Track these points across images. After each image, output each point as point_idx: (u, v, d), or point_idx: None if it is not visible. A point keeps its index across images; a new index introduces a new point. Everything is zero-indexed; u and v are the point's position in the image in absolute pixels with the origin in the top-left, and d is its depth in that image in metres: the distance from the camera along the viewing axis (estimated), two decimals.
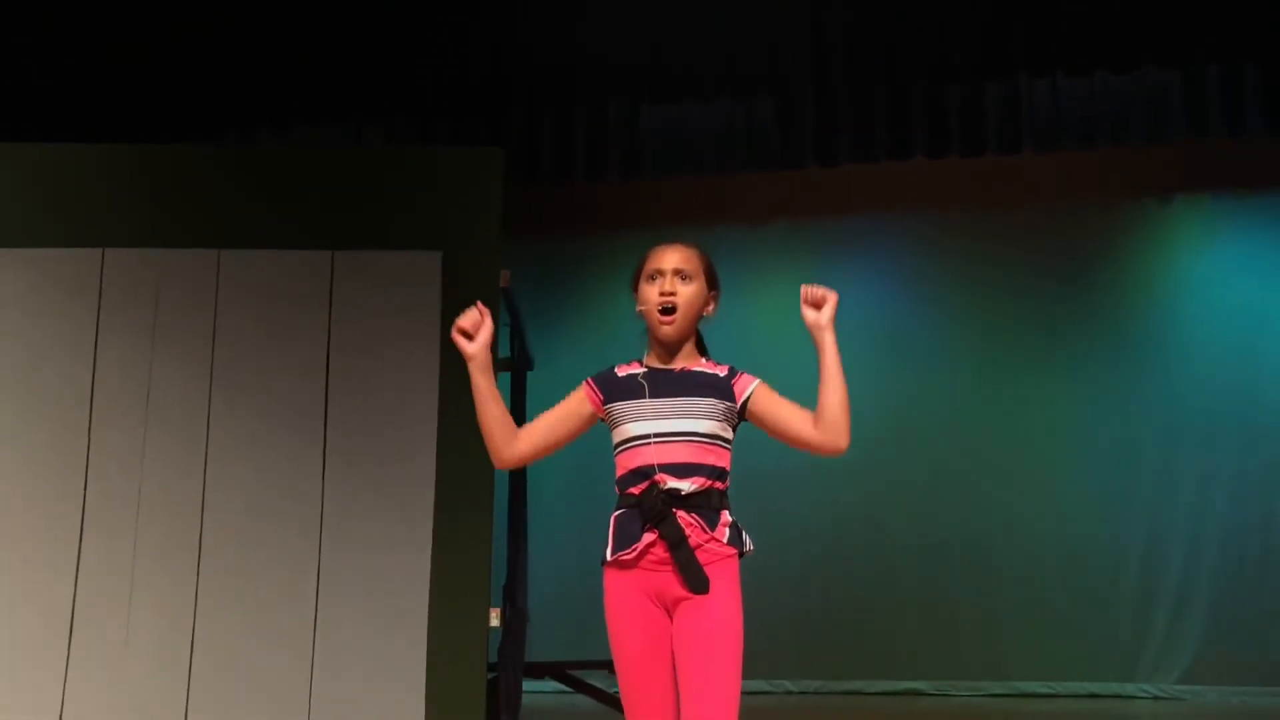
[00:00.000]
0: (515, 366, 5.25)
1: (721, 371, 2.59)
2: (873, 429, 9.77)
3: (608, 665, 6.49)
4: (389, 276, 4.26)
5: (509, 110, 9.38)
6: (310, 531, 4.09)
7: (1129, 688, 9.16)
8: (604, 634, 8.10)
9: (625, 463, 2.48)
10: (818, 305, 2.67)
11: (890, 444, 9.77)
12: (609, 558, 2.44)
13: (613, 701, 6.49)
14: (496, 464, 2.62)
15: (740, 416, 2.59)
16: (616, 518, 2.46)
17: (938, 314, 10.07)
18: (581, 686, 6.49)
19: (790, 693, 9.41)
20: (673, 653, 2.43)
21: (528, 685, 8.40)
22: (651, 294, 2.59)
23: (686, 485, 2.43)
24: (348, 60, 8.93)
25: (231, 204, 4.34)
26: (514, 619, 4.70)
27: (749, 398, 2.58)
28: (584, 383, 2.60)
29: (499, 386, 3.77)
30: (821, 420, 2.61)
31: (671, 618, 2.44)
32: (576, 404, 2.56)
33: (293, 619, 4.04)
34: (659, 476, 2.42)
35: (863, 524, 9.66)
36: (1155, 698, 9.07)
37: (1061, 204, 9.86)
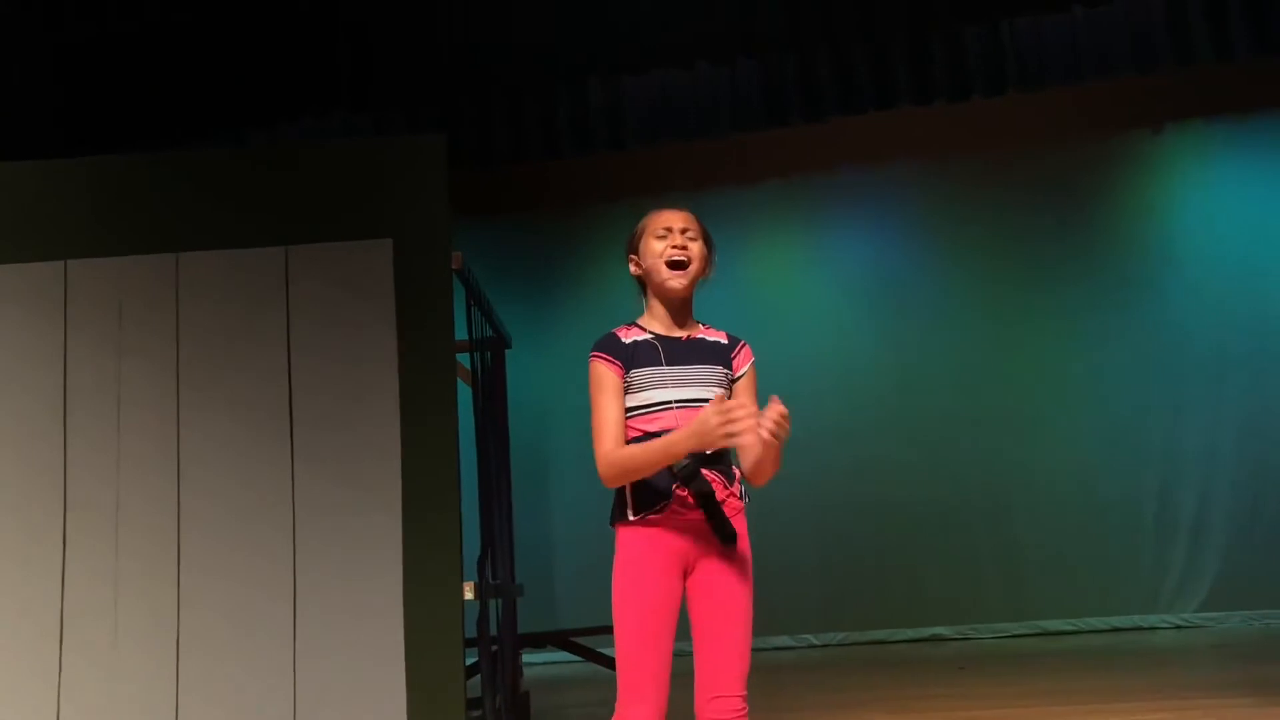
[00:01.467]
0: (491, 345, 5.33)
1: (723, 339, 2.67)
2: (881, 383, 9.85)
3: (610, 630, 6.59)
4: (342, 267, 4.35)
5: (490, 91, 9.45)
6: (284, 522, 4.21)
7: (1151, 619, 9.20)
8: (606, 601, 8.18)
9: (643, 426, 2.54)
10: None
11: (901, 395, 9.81)
12: (632, 517, 2.51)
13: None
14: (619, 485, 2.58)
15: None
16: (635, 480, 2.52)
17: (936, 262, 10.07)
18: (586, 652, 6.60)
19: (814, 646, 9.51)
20: (684, 607, 2.51)
21: (543, 655, 8.59)
22: (661, 248, 2.64)
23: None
24: (327, 55, 9.03)
25: (187, 208, 4.44)
26: (494, 591, 4.80)
27: (740, 377, 2.65)
28: (594, 358, 2.61)
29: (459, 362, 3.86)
30: (747, 472, 2.58)
31: (688, 576, 2.52)
32: (616, 381, 2.58)
33: (273, 610, 4.17)
34: None
35: (878, 476, 9.72)
36: (1177, 627, 9.09)
37: (1052, 142, 9.80)
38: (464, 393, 4.89)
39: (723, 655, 2.49)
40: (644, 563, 2.50)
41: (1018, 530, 9.55)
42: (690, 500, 2.49)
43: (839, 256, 10.29)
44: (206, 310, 4.36)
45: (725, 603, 2.51)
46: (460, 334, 4.62)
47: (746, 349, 2.69)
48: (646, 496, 2.51)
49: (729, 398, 2.60)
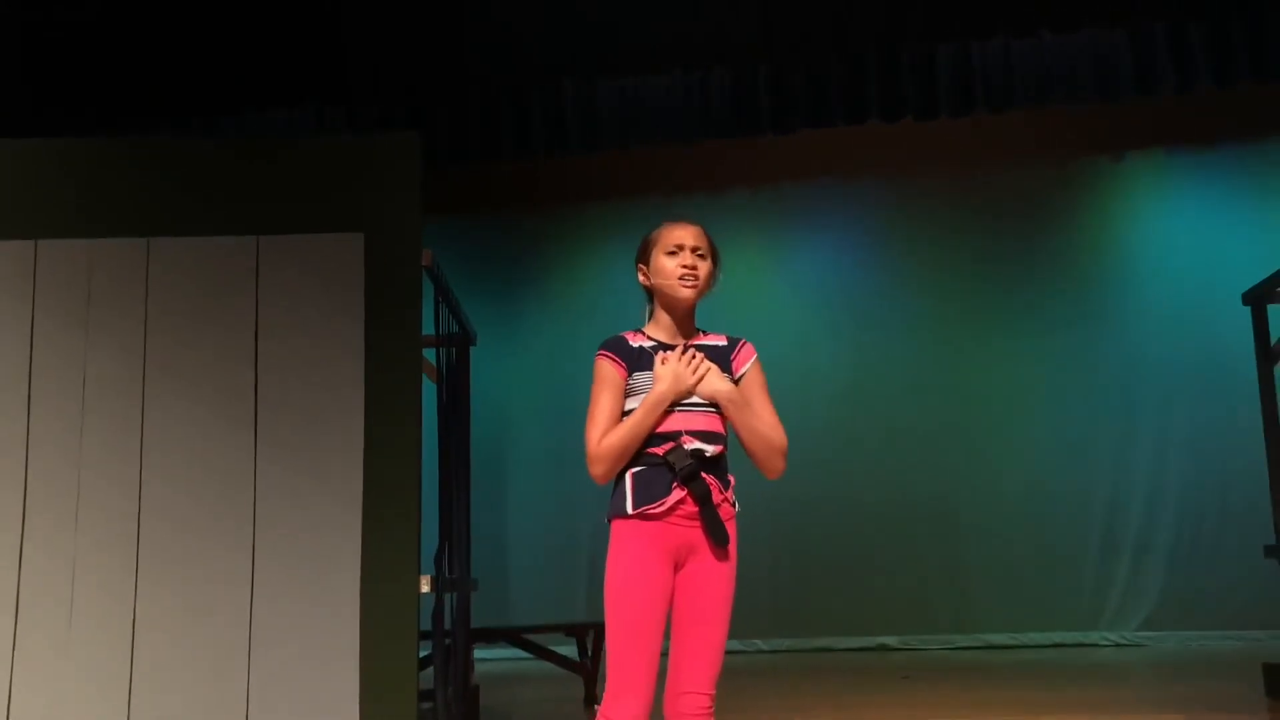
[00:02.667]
0: (456, 342, 5.38)
1: (723, 341, 2.79)
2: (836, 392, 9.98)
3: (564, 628, 6.64)
4: (313, 259, 4.39)
5: (467, 90, 9.49)
6: (244, 510, 4.24)
7: (1092, 635, 9.39)
8: (568, 597, 8.29)
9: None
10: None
11: (854, 405, 9.95)
12: (631, 511, 2.59)
13: (570, 665, 6.68)
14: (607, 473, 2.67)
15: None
16: (635, 475, 2.61)
17: (896, 277, 10.23)
18: (537, 649, 6.66)
19: (762, 651, 9.62)
20: (671, 602, 2.59)
21: (494, 651, 8.63)
22: (673, 267, 2.72)
23: (710, 449, 2.64)
24: (302, 45, 9.03)
25: (159, 193, 4.46)
26: (452, 585, 4.86)
27: (742, 376, 2.76)
28: (601, 356, 2.70)
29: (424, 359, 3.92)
30: (754, 460, 2.73)
31: (677, 572, 2.60)
32: (617, 378, 2.68)
33: (230, 596, 4.19)
34: (685, 439, 2.62)
35: (830, 486, 9.84)
36: (1117, 645, 9.29)
37: (1016, 164, 9.99)
38: (428, 388, 4.93)
39: (699, 653, 2.58)
40: (640, 557, 2.58)
41: (965, 543, 9.71)
42: (688, 500, 2.59)
43: (801, 267, 10.42)
44: (175, 296, 4.37)
45: (709, 603, 2.60)
46: (427, 329, 4.67)
47: (747, 348, 2.80)
48: (646, 493, 2.60)
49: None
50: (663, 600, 2.57)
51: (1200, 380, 9.34)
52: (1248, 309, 6.29)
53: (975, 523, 9.70)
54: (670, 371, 2.62)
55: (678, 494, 2.59)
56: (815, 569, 9.77)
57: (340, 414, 4.30)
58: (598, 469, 2.64)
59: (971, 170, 10.07)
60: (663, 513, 2.59)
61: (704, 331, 2.82)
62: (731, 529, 2.66)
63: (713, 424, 2.67)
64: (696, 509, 2.59)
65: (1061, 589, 9.47)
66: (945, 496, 9.76)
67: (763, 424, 2.69)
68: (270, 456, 4.28)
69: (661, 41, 9.15)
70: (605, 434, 2.63)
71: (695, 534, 2.60)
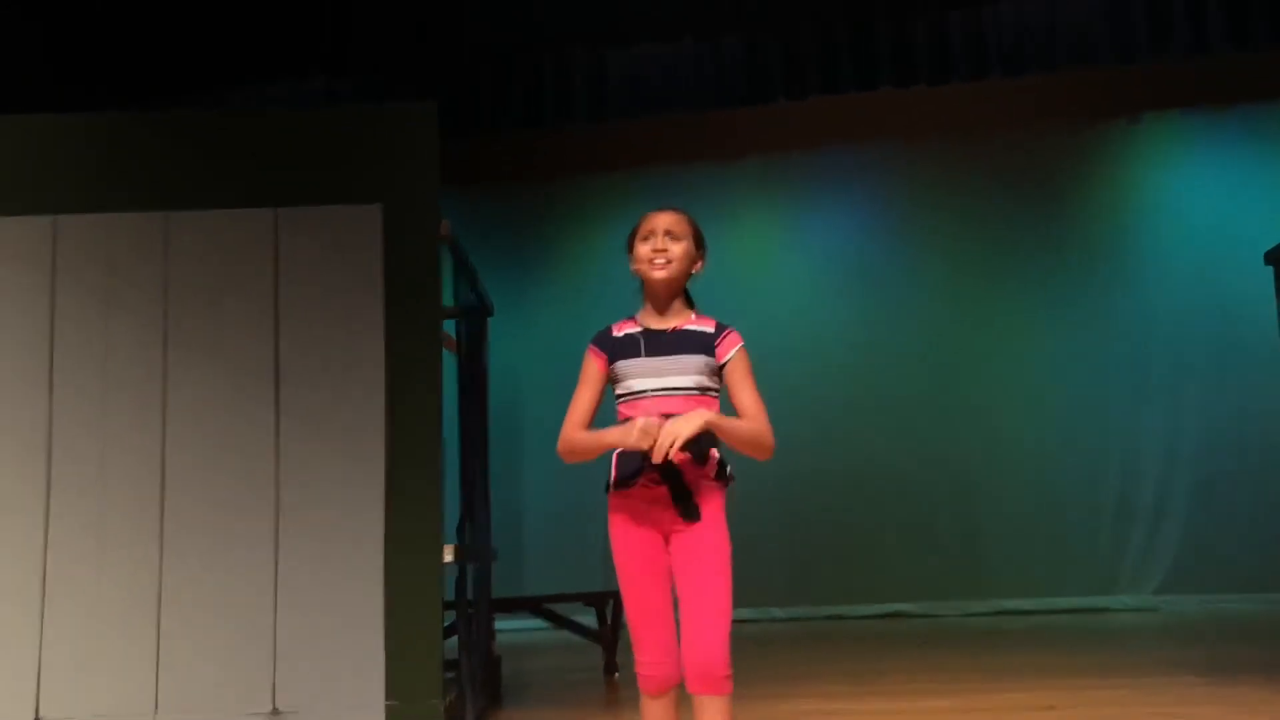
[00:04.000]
0: (475, 313, 5.38)
1: (710, 327, 2.85)
2: (849, 359, 9.98)
3: (583, 598, 6.68)
4: (331, 230, 4.38)
5: (476, 62, 9.44)
6: (267, 480, 4.26)
7: (1108, 600, 9.40)
8: (586, 567, 8.37)
9: (626, 411, 2.79)
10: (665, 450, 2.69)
11: (867, 373, 9.95)
12: (612, 488, 2.78)
13: (589, 634, 6.72)
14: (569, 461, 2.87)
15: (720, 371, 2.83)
16: (619, 455, 2.74)
17: (910, 244, 10.19)
18: (559, 620, 6.69)
19: (777, 620, 9.67)
20: (670, 572, 2.75)
21: (512, 622, 8.67)
22: (645, 251, 2.83)
23: None
24: (309, 17, 8.98)
25: (177, 167, 4.45)
26: (473, 555, 4.88)
27: (726, 363, 2.82)
28: (589, 349, 2.86)
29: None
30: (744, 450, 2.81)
31: (668, 543, 2.76)
32: (595, 373, 2.83)
33: (255, 566, 4.22)
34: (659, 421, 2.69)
35: (844, 453, 9.86)
36: (1134, 609, 9.30)
37: (1030, 128, 9.92)
38: (447, 359, 4.94)
39: (702, 613, 2.69)
40: (626, 526, 2.78)
41: (980, 510, 9.72)
42: (657, 478, 2.72)
43: (814, 234, 10.39)
44: (195, 269, 4.38)
45: (700, 565, 2.72)
46: (446, 301, 4.66)
47: (731, 335, 2.84)
48: (621, 472, 2.75)
49: (719, 382, 2.81)
50: (653, 560, 2.75)
51: (1217, 343, 9.32)
52: (1264, 270, 6.25)
53: (990, 489, 9.71)
54: (638, 429, 2.64)
55: (647, 474, 2.71)
56: (829, 537, 9.79)
57: (361, 385, 4.31)
58: (561, 454, 2.84)
59: (985, 135, 10.02)
60: (634, 490, 2.74)
61: (696, 314, 2.89)
62: (713, 498, 2.77)
63: (687, 405, 2.74)
64: (664, 489, 2.72)
65: (1077, 554, 9.49)
66: (959, 463, 9.78)
67: (743, 431, 2.77)
68: (292, 428, 4.30)
69: (672, 9, 9.09)
70: (575, 427, 2.80)
71: (670, 509, 2.74)
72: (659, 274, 2.81)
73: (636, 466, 2.70)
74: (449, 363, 5.01)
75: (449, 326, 5.09)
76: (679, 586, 2.74)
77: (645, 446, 2.64)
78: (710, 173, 10.31)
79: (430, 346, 4.39)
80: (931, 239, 10.18)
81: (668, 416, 2.70)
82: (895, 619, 9.54)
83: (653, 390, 2.75)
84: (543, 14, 9.12)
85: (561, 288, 10.52)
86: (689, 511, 2.72)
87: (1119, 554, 9.52)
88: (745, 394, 2.80)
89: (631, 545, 2.76)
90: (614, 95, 9.48)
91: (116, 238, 4.38)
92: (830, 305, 10.15)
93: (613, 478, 2.76)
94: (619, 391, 2.81)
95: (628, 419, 2.74)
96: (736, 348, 2.82)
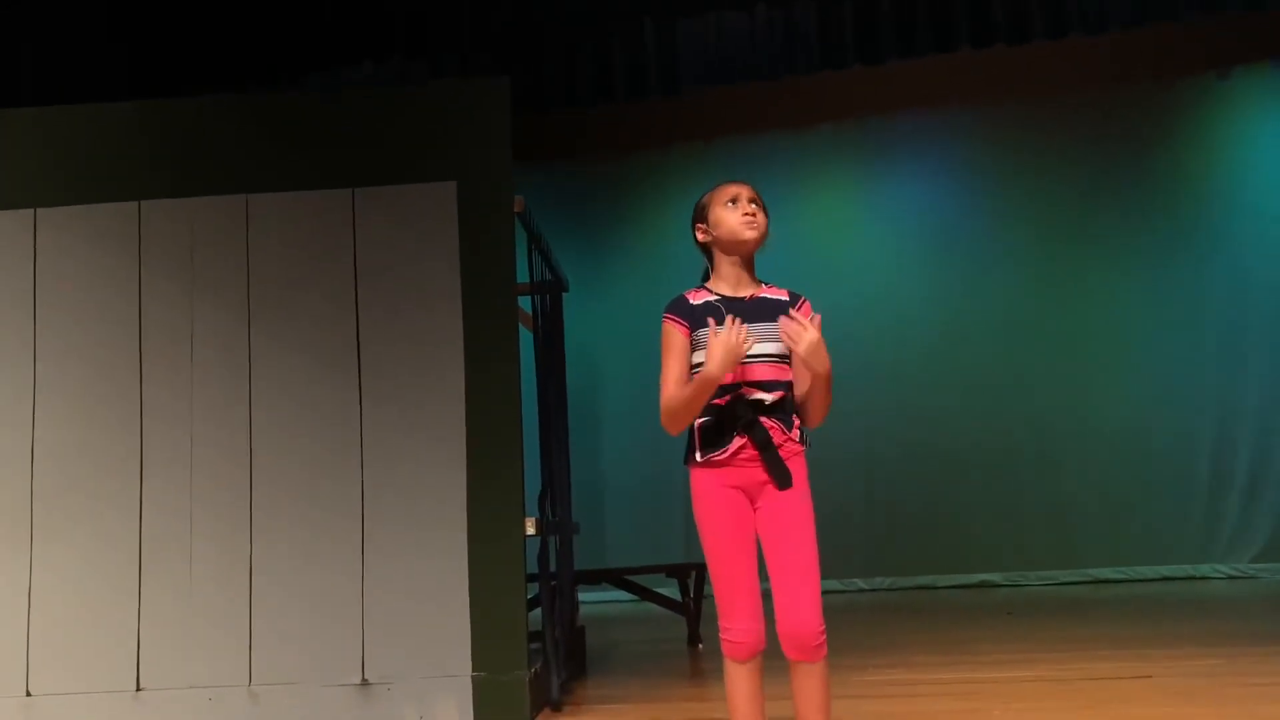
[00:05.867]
0: (550, 288, 5.40)
1: (785, 296, 2.89)
2: (932, 329, 9.83)
3: (665, 569, 6.69)
4: (407, 209, 4.42)
5: (544, 38, 9.44)
6: (351, 459, 4.33)
7: (1203, 569, 9.19)
8: (666, 540, 8.39)
9: None
10: (797, 339, 2.75)
11: (952, 343, 9.80)
12: (699, 459, 2.78)
13: (672, 605, 6.74)
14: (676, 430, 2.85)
15: None
16: (702, 425, 2.78)
17: (990, 210, 9.99)
18: (642, 591, 6.73)
19: (862, 590, 9.61)
20: (757, 535, 2.78)
21: (596, 594, 8.74)
22: (734, 215, 2.84)
23: (769, 397, 2.77)
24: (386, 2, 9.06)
25: (255, 150, 4.52)
26: (555, 528, 4.91)
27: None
28: (665, 319, 2.84)
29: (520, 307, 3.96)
30: (803, 414, 2.85)
31: (755, 506, 2.78)
32: (681, 342, 2.82)
33: (342, 544, 4.29)
34: (746, 390, 2.76)
35: (928, 424, 9.74)
36: (1230, 577, 9.07)
37: (1112, 87, 9.65)
38: (524, 336, 4.97)
39: (794, 578, 2.73)
40: (714, 495, 2.78)
41: (1067, 478, 9.54)
42: (749, 445, 2.74)
43: (892, 202, 10.22)
44: (275, 251, 4.45)
45: (789, 531, 2.75)
46: (521, 277, 4.68)
47: (807, 304, 2.88)
48: (710, 441, 2.77)
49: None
50: (741, 528, 2.76)
51: None
52: None
53: (1078, 458, 9.52)
54: (720, 347, 2.67)
55: (738, 441, 2.75)
56: (913, 508, 9.69)
57: (440, 361, 4.35)
58: (664, 423, 2.82)
59: (1066, 96, 9.76)
60: (726, 459, 2.76)
61: (765, 284, 2.92)
62: (799, 462, 2.81)
63: (771, 372, 2.79)
64: (757, 453, 2.75)
65: (1170, 523, 9.28)
66: (1046, 432, 9.60)
67: (822, 402, 2.82)
68: (373, 405, 4.36)
69: None
70: (672, 397, 2.78)
71: (759, 476, 2.77)
72: (752, 234, 2.83)
73: (727, 435, 2.73)
74: (526, 339, 5.04)
75: (524, 303, 5.12)
76: (770, 553, 2.76)
77: (738, 356, 2.66)
78: (784, 142, 10.20)
79: (507, 322, 4.41)
80: (1012, 205, 9.97)
81: (754, 385, 2.74)
82: (982, 589, 9.43)
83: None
84: None
85: (637, 262, 10.50)
86: (782, 477, 2.74)
87: (1214, 523, 9.28)
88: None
89: (720, 513, 2.75)
90: (685, 66, 9.42)
91: (198, 222, 4.47)
92: (910, 274, 9.99)
93: (698, 447, 2.77)
94: (699, 360, 2.78)
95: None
96: (816, 316, 2.82)
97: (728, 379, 2.73)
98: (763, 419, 2.75)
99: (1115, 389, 9.55)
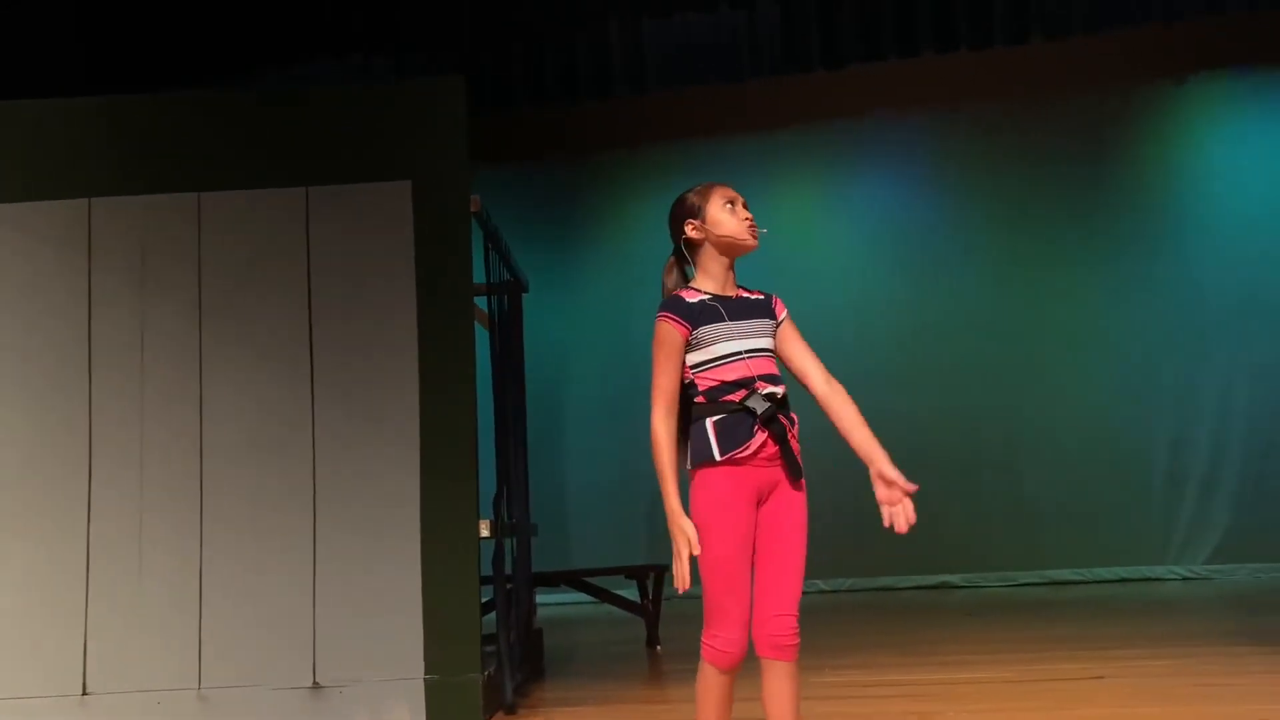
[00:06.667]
0: (508, 289, 5.37)
1: (760, 295, 2.92)
2: (895, 329, 9.87)
3: (624, 571, 6.67)
4: (362, 208, 4.38)
5: (509, 34, 9.41)
6: (304, 461, 4.29)
7: (1159, 570, 9.27)
8: (630, 541, 8.32)
9: (721, 376, 2.77)
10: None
11: (914, 342, 9.84)
12: (719, 458, 2.72)
13: (632, 607, 6.72)
14: None
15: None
16: (717, 423, 2.73)
17: (954, 212, 10.04)
18: (598, 592, 6.71)
19: (823, 591, 9.62)
20: (757, 535, 2.75)
21: (556, 596, 8.71)
22: (736, 219, 2.85)
23: (779, 390, 2.77)
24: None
25: (208, 148, 4.47)
26: (511, 530, 4.89)
27: (781, 321, 2.90)
28: (662, 318, 2.81)
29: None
30: (837, 405, 2.89)
31: (760, 506, 2.76)
32: (678, 342, 2.79)
33: (293, 545, 4.25)
34: (759, 385, 2.75)
35: (889, 424, 9.64)
36: (1185, 578, 9.16)
37: (1074, 92, 9.72)
38: (482, 336, 4.94)
39: (785, 578, 2.75)
40: (731, 500, 2.72)
41: (1028, 479, 9.60)
42: (770, 441, 2.74)
43: (858, 204, 10.26)
44: (229, 249, 4.40)
45: (791, 531, 2.77)
46: (478, 277, 4.66)
47: (779, 299, 2.93)
48: (731, 439, 2.73)
49: (774, 341, 2.86)
50: (749, 537, 2.74)
51: (1267, 308, 9.12)
52: None
53: (1039, 459, 9.58)
54: (673, 519, 2.70)
55: (760, 437, 2.73)
56: (875, 509, 9.64)
57: (395, 362, 4.32)
58: (651, 441, 2.78)
59: (1028, 100, 9.83)
60: (748, 456, 2.72)
61: (742, 285, 2.94)
62: (800, 461, 2.82)
63: (773, 366, 2.82)
64: (776, 449, 2.74)
65: (1128, 524, 9.35)
66: (1008, 433, 9.65)
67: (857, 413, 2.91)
68: (327, 407, 4.32)
69: None
70: (667, 412, 2.76)
71: (775, 472, 2.76)
72: (755, 242, 2.86)
73: (749, 432, 2.70)
74: (485, 339, 5.02)
75: (482, 303, 5.09)
76: (766, 550, 2.74)
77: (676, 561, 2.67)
78: (750, 144, 10.21)
79: (462, 322, 4.38)
80: (975, 206, 10.03)
81: (764, 378, 2.75)
82: (943, 590, 9.48)
83: (746, 352, 2.77)
84: None
85: (603, 262, 10.49)
86: (799, 469, 2.77)
87: (1170, 524, 9.37)
88: (801, 345, 2.88)
89: (732, 521, 2.71)
90: (652, 66, 9.43)
91: (149, 220, 4.41)
92: (874, 275, 10.03)
93: (716, 448, 2.72)
94: (702, 359, 2.77)
95: (719, 385, 2.75)
96: (786, 310, 2.91)
97: (739, 375, 2.74)
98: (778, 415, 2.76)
99: (1076, 390, 9.63)
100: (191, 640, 4.22)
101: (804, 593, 7.63)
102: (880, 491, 2.83)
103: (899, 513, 2.83)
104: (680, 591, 2.67)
